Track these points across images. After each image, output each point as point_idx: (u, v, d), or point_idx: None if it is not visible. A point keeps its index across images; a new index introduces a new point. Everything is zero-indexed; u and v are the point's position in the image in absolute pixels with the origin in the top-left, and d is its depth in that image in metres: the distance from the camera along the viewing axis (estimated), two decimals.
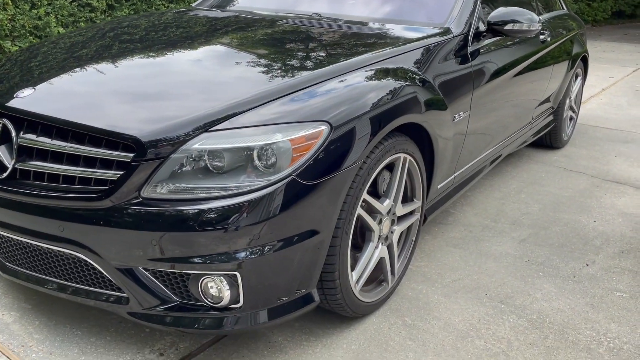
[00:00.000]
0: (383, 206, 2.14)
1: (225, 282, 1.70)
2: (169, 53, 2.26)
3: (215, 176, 1.68)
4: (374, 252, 2.19)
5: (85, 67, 2.12)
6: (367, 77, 2.06)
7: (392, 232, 2.28)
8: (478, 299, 2.43)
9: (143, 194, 1.65)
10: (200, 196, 1.64)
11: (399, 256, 2.42)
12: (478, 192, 3.65)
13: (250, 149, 1.70)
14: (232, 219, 1.63)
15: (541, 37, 3.58)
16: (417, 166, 2.32)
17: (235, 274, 1.68)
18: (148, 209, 1.63)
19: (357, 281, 2.11)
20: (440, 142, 2.41)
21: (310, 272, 1.85)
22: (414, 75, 2.27)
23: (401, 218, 2.36)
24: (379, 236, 2.20)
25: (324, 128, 1.78)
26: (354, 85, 1.98)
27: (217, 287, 1.71)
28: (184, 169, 1.67)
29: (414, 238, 2.47)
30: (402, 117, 2.07)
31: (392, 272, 2.34)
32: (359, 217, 2.04)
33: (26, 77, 2.08)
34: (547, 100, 3.98)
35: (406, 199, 2.42)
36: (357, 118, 1.87)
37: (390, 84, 2.10)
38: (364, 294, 2.18)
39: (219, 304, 1.73)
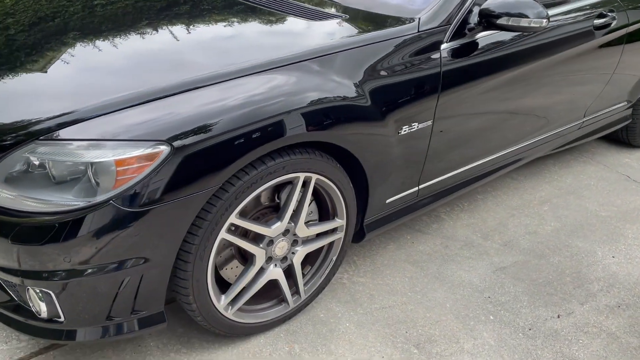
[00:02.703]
0: (270, 229, 1.94)
1: (41, 296, 1.68)
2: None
3: (45, 188, 1.62)
4: (260, 275, 2.02)
5: None
6: (247, 86, 1.79)
7: (293, 253, 2.08)
8: (393, 337, 2.17)
9: None
10: (19, 207, 1.59)
11: (312, 276, 2.22)
12: (492, 195, 3.19)
13: (79, 165, 1.60)
14: (43, 237, 1.57)
15: (598, 21, 2.89)
16: (332, 184, 2.05)
17: (48, 292, 1.65)
18: None
19: (232, 303, 1.98)
20: (371, 158, 2.10)
21: (149, 296, 1.76)
22: (327, 82, 1.93)
23: (312, 238, 2.15)
24: (271, 257, 2.02)
25: (164, 149, 1.61)
26: (225, 97, 1.75)
27: (36, 300, 1.70)
28: (14, 174, 1.63)
29: (334, 257, 2.24)
30: (282, 139, 1.79)
31: (297, 293, 2.16)
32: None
33: None
34: (613, 92, 3.28)
35: (327, 216, 2.18)
36: (213, 138, 1.66)
37: (277, 94, 1.81)
38: (245, 314, 2.04)
39: (41, 316, 1.72)
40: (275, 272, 2.05)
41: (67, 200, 1.59)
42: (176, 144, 1.62)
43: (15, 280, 1.67)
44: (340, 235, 2.20)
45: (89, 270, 1.63)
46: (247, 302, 2.05)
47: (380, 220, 2.41)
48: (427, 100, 2.20)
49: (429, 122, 2.26)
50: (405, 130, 2.18)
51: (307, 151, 1.92)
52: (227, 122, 1.69)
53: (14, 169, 1.62)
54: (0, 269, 1.68)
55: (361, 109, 2.00)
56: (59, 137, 1.61)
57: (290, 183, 1.96)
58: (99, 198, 1.58)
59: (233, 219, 1.81)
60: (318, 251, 2.23)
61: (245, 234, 1.97)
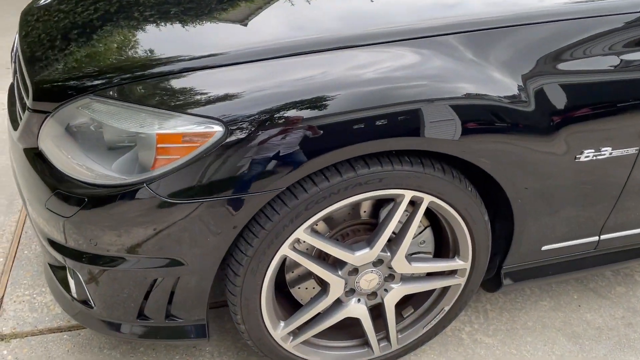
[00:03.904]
0: (353, 256, 1.46)
1: (71, 273, 1.46)
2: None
3: (92, 153, 1.38)
4: (337, 308, 1.56)
5: None
6: (351, 63, 1.32)
7: (386, 290, 1.58)
8: None
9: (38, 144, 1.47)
10: (63, 168, 1.38)
11: (412, 322, 1.69)
12: None
13: (125, 133, 1.32)
14: (71, 210, 1.33)
15: None
16: (455, 213, 1.48)
17: (76, 272, 1.42)
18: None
19: (294, 333, 1.56)
20: (522, 186, 1.47)
21: (187, 305, 1.43)
22: (480, 70, 1.36)
23: (419, 276, 1.61)
24: (353, 290, 1.55)
25: (217, 130, 1.24)
26: (320, 75, 1.30)
27: (68, 274, 1.49)
28: (65, 131, 1.41)
29: (447, 307, 1.67)
30: (381, 140, 1.29)
31: (387, 339, 1.66)
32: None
33: None
34: None
35: (446, 252, 1.62)
36: (289, 124, 1.24)
37: (387, 78, 1.30)
38: (312, 350, 1.61)
39: (74, 295, 1.51)
40: (357, 309, 1.58)
41: (104, 173, 1.33)
42: (236, 125, 1.23)
43: (47, 247, 1.48)
44: (459, 280, 1.62)
45: (115, 261, 1.36)
46: (318, 335, 1.62)
47: (530, 271, 1.75)
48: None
49: (634, 150, 1.52)
50: (588, 156, 1.50)
51: (421, 162, 1.39)
52: (333, 102, 1.26)
53: (68, 123, 1.40)
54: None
55: (518, 115, 1.39)
56: (111, 96, 1.34)
57: (393, 200, 1.46)
58: (133, 178, 1.29)
59: (300, 233, 1.38)
60: (426, 293, 1.69)
61: (323, 255, 1.53)
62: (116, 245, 1.33)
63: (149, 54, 1.42)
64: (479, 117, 1.36)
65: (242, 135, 1.24)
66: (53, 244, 1.43)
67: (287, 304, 1.65)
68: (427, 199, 1.43)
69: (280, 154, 1.26)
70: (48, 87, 1.40)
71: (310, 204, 1.34)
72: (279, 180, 1.27)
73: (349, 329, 1.67)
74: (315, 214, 1.36)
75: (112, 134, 1.35)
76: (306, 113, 1.25)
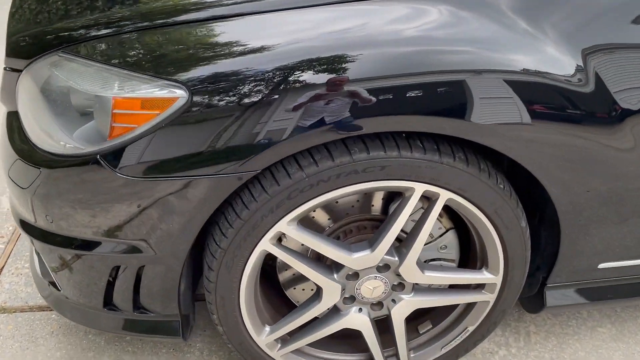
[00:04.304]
0: (350, 258, 1.21)
1: (35, 249, 1.31)
2: None
3: (61, 116, 1.21)
4: (334, 317, 1.32)
5: None
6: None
7: (394, 301, 1.32)
8: None
9: None
10: (26, 134, 1.23)
11: (429, 340, 1.42)
12: None
13: (89, 98, 1.14)
14: (28, 180, 1.18)
15: None
16: (482, 215, 1.18)
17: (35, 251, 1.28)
18: None
19: (283, 340, 1.34)
20: (571, 185, 1.15)
21: (156, 297, 1.25)
22: (533, 38, 1.06)
23: (438, 287, 1.34)
24: (353, 297, 1.30)
25: (180, 95, 1.03)
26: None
27: (34, 253, 1.35)
28: (40, 93, 1.25)
29: (471, 328, 1.38)
30: (396, 117, 1.03)
31: (396, 356, 1.40)
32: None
33: None
34: None
35: (474, 261, 1.33)
36: (274, 88, 1.01)
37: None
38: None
39: (39, 273, 1.37)
40: (357, 320, 1.33)
41: (62, 141, 1.16)
42: (199, 91, 1.02)
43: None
44: (487, 297, 1.33)
45: (72, 243, 1.19)
46: (313, 344, 1.40)
47: (583, 292, 1.42)
48: None
49: None
50: None
51: (437, 148, 1.11)
52: (328, 65, 1.02)
53: (42, 84, 1.24)
54: None
55: (573, 96, 1.07)
56: (79, 53, 1.16)
57: (401, 194, 1.19)
58: (89, 148, 1.11)
59: (283, 226, 1.15)
60: (448, 307, 1.41)
61: (320, 255, 1.29)
62: (71, 225, 1.16)
63: (121, 11, 1.23)
64: (537, 98, 1.06)
65: (209, 104, 1.02)
66: (17, 217, 1.29)
67: (287, 307, 1.43)
68: (444, 196, 1.15)
69: (254, 130, 1.03)
70: (19, 42, 1.24)
71: (294, 192, 1.10)
72: (251, 161, 1.05)
73: (352, 340, 1.43)
74: (300, 205, 1.12)
75: (80, 98, 1.18)
76: (295, 78, 1.01)
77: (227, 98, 1.02)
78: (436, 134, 1.09)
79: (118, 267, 1.21)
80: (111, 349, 1.57)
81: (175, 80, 1.03)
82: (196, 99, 1.02)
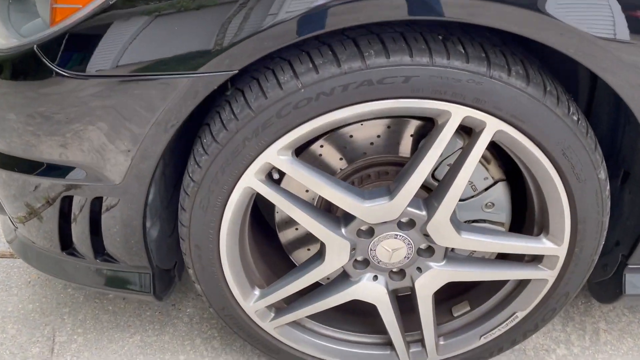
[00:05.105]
0: (360, 205, 0.91)
1: None
2: None
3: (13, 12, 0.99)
4: (340, 284, 1.03)
5: None
6: None
7: (419, 270, 1.01)
8: None
9: None
10: None
11: (465, 326, 1.11)
12: None
13: None
14: None
15: None
16: (545, 159, 0.86)
17: None
18: None
19: (279, 310, 1.07)
20: None
21: (119, 242, 1.00)
22: None
23: (477, 258, 1.02)
24: (367, 261, 1.00)
25: None
26: None
27: None
28: None
29: (520, 313, 1.05)
30: None
31: (422, 344, 1.10)
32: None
33: None
34: None
35: (530, 227, 1.01)
36: None
37: None
38: (306, 337, 1.10)
39: None
40: (371, 291, 1.03)
41: (4, 33, 0.93)
42: None
43: None
44: (545, 274, 1.00)
45: (12, 162, 0.97)
46: (317, 318, 1.12)
47: None
48: None
49: None
50: None
51: (485, 53, 0.80)
52: None
53: None
54: None
55: None
56: None
57: (432, 122, 0.88)
58: (27, 39, 0.87)
59: (272, 155, 0.87)
60: (491, 285, 1.09)
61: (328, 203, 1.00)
62: (12, 139, 0.94)
63: None
64: None
65: None
66: None
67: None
68: (492, 126, 0.84)
69: (231, 12, 0.76)
70: None
71: (285, 108, 0.82)
72: (231, 58, 0.77)
73: (367, 318, 1.14)
74: (294, 128, 0.84)
75: None
76: None
77: None
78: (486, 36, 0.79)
79: (71, 199, 0.98)
80: (89, 306, 1.35)
81: None
82: None
